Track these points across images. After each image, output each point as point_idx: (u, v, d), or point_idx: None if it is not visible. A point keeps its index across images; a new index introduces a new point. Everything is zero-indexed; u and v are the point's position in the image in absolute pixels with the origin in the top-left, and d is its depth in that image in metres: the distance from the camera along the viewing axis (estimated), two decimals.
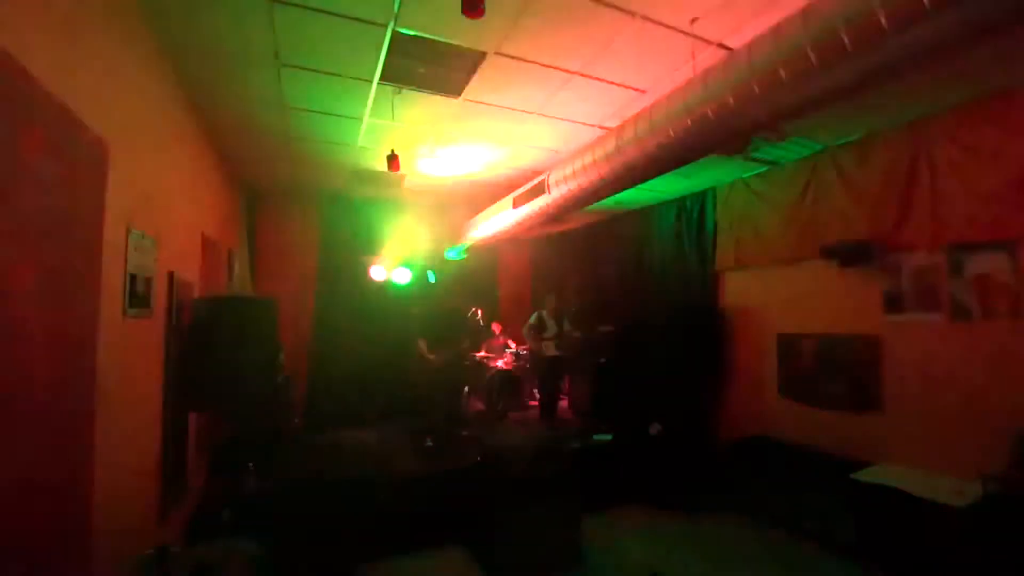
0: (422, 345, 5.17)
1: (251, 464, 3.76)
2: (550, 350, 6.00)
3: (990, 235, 3.39)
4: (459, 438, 5.06)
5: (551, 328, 6.02)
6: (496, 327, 7.42)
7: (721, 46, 2.85)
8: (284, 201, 6.25)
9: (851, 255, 4.11)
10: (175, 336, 2.90)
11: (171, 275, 2.85)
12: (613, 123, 3.81)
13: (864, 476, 3.61)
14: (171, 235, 2.86)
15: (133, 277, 2.24)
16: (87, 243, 1.81)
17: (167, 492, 2.78)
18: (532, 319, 6.13)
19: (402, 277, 6.06)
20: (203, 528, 3.15)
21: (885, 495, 3.40)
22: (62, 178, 1.61)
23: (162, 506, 2.72)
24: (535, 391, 7.37)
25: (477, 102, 3.60)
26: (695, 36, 2.76)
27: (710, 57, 2.87)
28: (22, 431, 1.40)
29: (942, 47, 1.78)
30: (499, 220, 5.39)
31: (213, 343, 3.01)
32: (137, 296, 2.30)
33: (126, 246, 2.16)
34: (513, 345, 7.17)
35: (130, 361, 2.29)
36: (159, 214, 2.59)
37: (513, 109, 3.74)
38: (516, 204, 4.86)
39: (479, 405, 6.73)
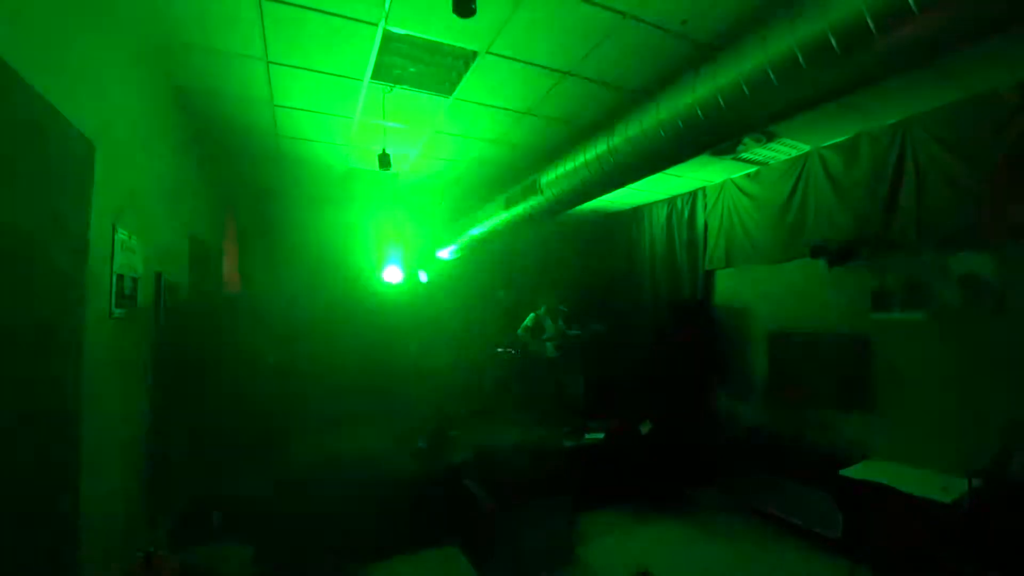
0: (414, 347, 5.14)
1: (241, 466, 3.72)
2: (550, 351, 5.97)
3: (974, 234, 3.45)
4: (451, 439, 5.04)
5: (549, 328, 5.99)
6: (495, 326, 7.37)
7: (711, 47, 2.87)
8: (275, 200, 6.19)
9: (839, 254, 4.16)
10: (163, 337, 2.86)
11: (158, 276, 2.82)
12: (604, 124, 3.82)
13: (852, 472, 3.65)
14: (158, 235, 2.82)
15: (120, 278, 2.21)
16: (72, 243, 1.78)
17: (155, 495, 2.74)
18: (528, 320, 6.10)
19: (394, 277, 6.03)
20: (193, 531, 3.12)
21: (873, 491, 3.45)
22: (46, 177, 1.59)
23: (150, 509, 2.69)
24: (528, 391, 7.37)
25: (469, 101, 3.59)
26: (686, 37, 2.77)
27: (700, 59, 2.89)
28: (8, 434, 1.38)
29: (928, 49, 1.80)
30: (491, 220, 5.38)
31: (202, 344, 2.98)
32: (124, 297, 2.27)
33: (112, 246, 2.13)
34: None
35: (117, 362, 2.25)
36: (146, 214, 2.56)
37: (505, 108, 3.74)
38: (508, 204, 4.86)
39: (473, 405, 6.71)
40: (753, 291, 5.24)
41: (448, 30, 2.71)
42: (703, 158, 4.56)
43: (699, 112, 2.56)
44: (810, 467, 4.05)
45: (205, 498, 3.56)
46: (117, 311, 2.19)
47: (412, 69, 3.13)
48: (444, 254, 7.01)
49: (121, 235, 2.21)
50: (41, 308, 1.57)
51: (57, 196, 1.66)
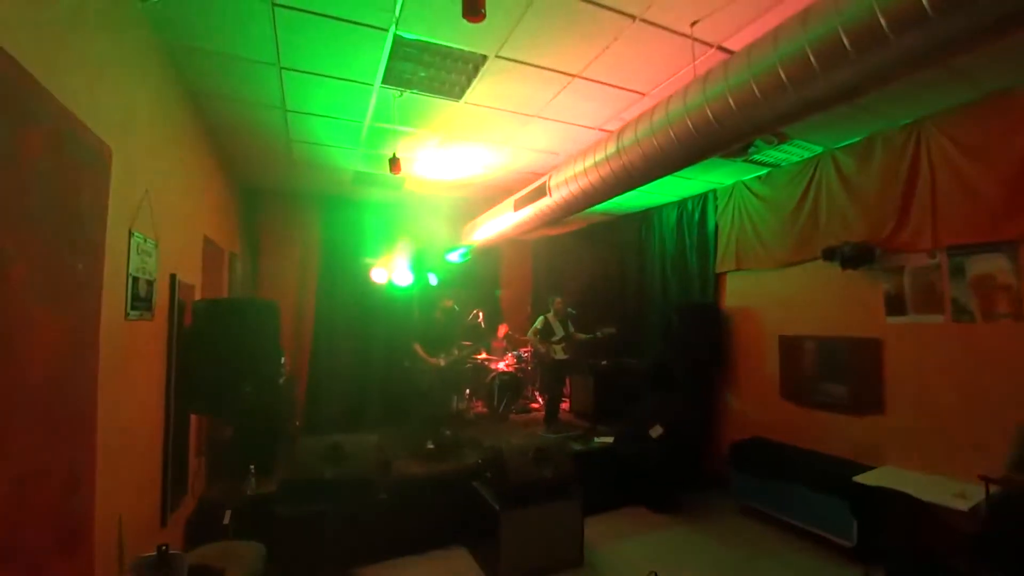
0: (418, 348, 5.14)
1: (252, 466, 3.76)
2: (559, 354, 5.96)
3: (990, 236, 3.39)
4: (460, 440, 5.05)
5: (558, 331, 5.98)
6: (501, 329, 7.41)
7: (721, 49, 2.86)
8: (286, 203, 6.26)
9: (852, 257, 4.11)
10: (177, 339, 2.90)
11: (173, 277, 2.86)
12: (613, 126, 3.82)
13: (866, 479, 3.60)
14: (173, 237, 2.87)
15: (135, 279, 2.25)
16: (89, 246, 1.82)
17: (169, 494, 2.78)
18: (537, 323, 6.07)
19: (404, 280, 6.06)
20: (204, 530, 3.15)
21: (887, 498, 3.39)
22: (64, 181, 1.62)
23: (163, 508, 2.73)
24: (536, 393, 7.36)
25: (478, 105, 3.61)
26: (695, 39, 2.76)
27: (710, 60, 2.88)
28: (24, 434, 1.41)
29: (942, 49, 1.78)
30: (500, 222, 5.39)
31: (215, 345, 3.01)
32: (139, 299, 2.31)
33: (128, 249, 2.17)
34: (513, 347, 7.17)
35: (132, 364, 2.29)
36: (161, 216, 2.60)
37: (514, 112, 3.75)
38: (517, 206, 4.87)
39: (481, 407, 6.73)
40: (764, 294, 5.19)
41: (458, 35, 2.72)
42: (714, 160, 4.53)
43: (709, 114, 2.54)
44: (823, 472, 3.99)
45: (216, 497, 3.59)
46: (132, 313, 2.23)
47: (422, 74, 3.15)
48: (454, 257, 7.04)
49: (137, 238, 2.25)
50: (58, 310, 1.60)
51: (74, 200, 1.70)
